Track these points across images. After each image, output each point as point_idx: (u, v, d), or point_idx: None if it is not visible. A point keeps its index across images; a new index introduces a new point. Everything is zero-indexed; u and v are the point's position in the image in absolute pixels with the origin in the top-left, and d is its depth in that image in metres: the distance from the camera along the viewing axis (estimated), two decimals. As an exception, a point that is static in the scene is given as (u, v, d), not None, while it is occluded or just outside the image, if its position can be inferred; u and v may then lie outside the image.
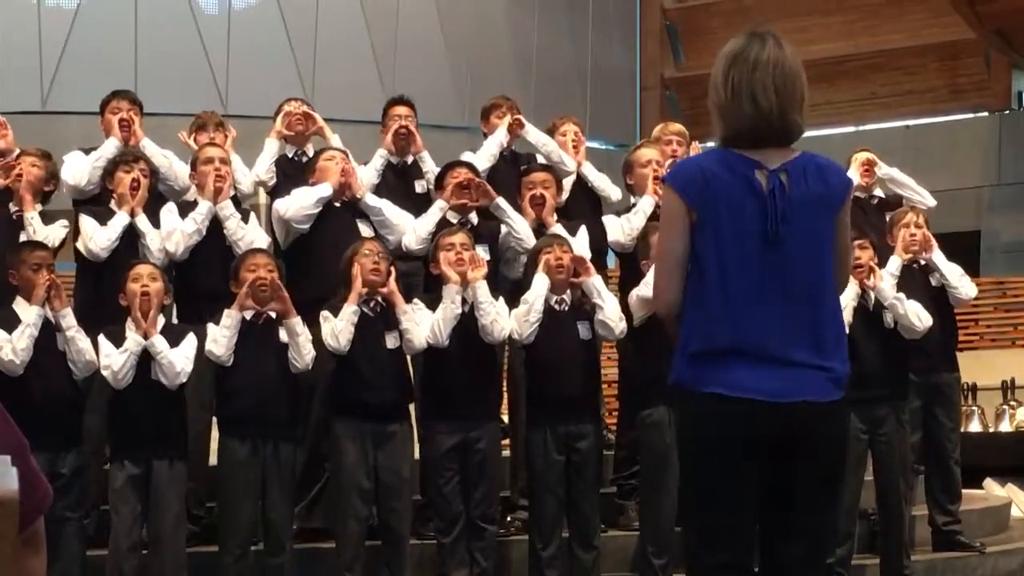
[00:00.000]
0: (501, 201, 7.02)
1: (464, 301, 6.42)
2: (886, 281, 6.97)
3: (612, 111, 17.72)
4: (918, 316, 6.91)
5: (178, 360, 6.09)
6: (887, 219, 7.77)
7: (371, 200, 7.01)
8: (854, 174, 8.36)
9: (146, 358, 6.08)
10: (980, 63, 17.37)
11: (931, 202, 8.22)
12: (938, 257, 7.43)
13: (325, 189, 6.92)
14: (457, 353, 6.42)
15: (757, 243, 3.60)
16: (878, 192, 8.38)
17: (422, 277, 7.04)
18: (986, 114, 17.08)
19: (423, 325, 6.37)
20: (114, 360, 6.06)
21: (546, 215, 7.09)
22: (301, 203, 6.90)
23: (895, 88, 17.85)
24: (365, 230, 6.87)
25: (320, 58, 15.39)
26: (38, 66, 14.48)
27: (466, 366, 6.44)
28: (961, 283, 7.42)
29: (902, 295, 6.94)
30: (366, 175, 7.30)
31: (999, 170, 16.42)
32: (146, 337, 6.05)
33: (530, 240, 6.94)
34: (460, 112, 15.17)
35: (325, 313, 6.30)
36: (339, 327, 6.22)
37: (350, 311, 6.25)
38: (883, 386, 6.89)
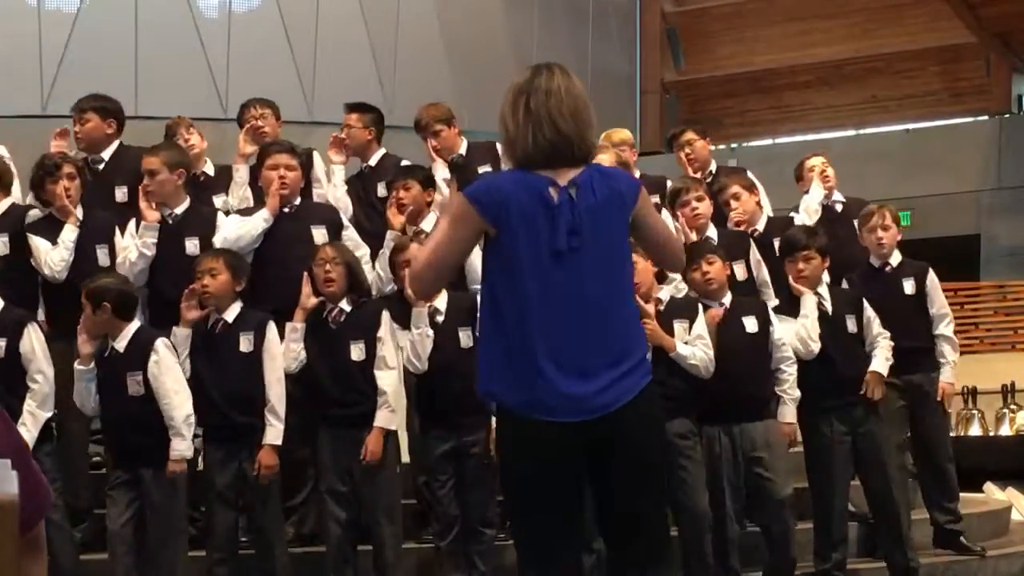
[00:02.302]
0: None
1: (437, 312, 6.39)
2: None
3: (612, 115, 17.62)
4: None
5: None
6: (854, 223, 7.70)
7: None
8: (816, 186, 8.25)
9: (121, 378, 6.00)
10: (980, 67, 17.36)
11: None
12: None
13: (264, 219, 6.80)
14: (449, 361, 6.39)
15: (550, 257, 3.73)
16: (838, 197, 8.29)
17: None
18: (986, 118, 17.05)
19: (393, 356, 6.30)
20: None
21: None
22: (249, 236, 6.75)
23: (895, 92, 17.84)
24: (319, 236, 6.76)
25: (320, 61, 15.36)
26: (38, 70, 14.44)
27: (459, 373, 6.40)
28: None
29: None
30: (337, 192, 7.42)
31: (999, 174, 16.38)
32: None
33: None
34: (459, 115, 15.12)
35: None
36: (287, 349, 6.29)
37: (291, 330, 6.29)
38: (856, 388, 6.90)
